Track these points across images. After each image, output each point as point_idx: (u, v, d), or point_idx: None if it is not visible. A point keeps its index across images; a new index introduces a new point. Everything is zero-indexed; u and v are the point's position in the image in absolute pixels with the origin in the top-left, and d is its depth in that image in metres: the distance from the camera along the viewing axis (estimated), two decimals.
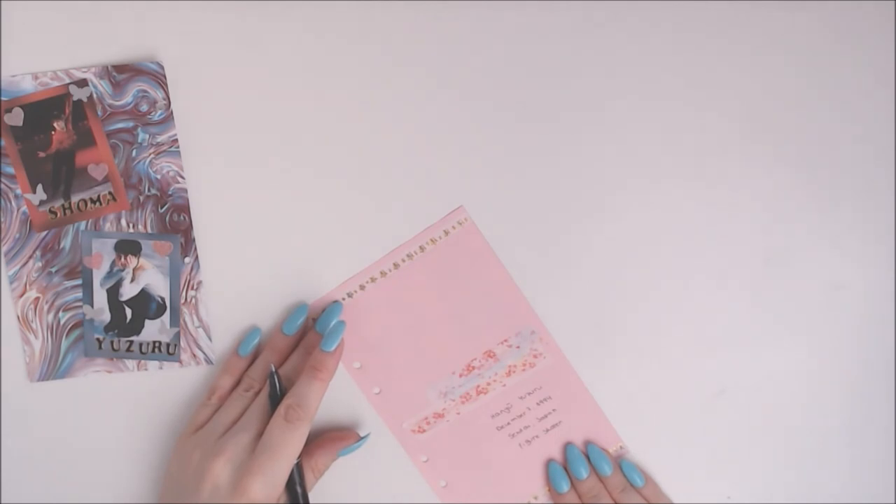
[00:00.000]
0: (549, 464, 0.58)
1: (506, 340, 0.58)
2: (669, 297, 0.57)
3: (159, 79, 0.56)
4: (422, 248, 0.57)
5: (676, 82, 0.56)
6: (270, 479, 0.50)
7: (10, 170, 0.56)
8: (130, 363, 0.57)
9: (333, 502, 0.58)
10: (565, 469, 0.58)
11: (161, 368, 0.57)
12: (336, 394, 0.57)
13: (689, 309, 0.57)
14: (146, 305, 0.57)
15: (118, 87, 0.55)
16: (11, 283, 0.56)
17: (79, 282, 0.56)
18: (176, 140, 0.56)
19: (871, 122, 0.56)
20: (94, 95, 0.55)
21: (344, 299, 0.57)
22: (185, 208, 0.56)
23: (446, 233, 0.57)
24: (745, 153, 0.56)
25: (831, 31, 0.55)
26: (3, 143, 0.55)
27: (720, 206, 0.57)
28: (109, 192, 0.56)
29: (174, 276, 0.57)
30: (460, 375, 0.58)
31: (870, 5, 0.55)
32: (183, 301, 0.57)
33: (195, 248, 0.57)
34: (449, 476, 0.58)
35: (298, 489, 0.52)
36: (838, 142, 0.56)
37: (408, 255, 0.57)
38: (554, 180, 0.57)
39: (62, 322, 0.56)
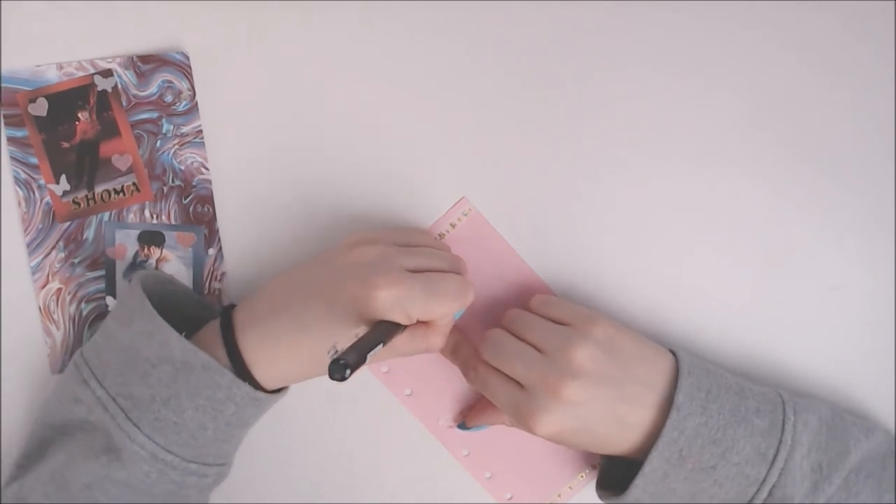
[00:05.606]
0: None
1: None
2: (669, 296, 0.57)
3: (184, 69, 0.55)
4: None
5: (676, 82, 0.56)
6: (396, 299, 0.47)
7: (33, 160, 0.55)
8: None
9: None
10: None
11: None
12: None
13: (688, 307, 0.57)
14: None
15: (143, 77, 0.55)
16: (34, 273, 0.55)
17: (101, 273, 0.56)
18: (200, 131, 0.56)
19: (872, 122, 0.56)
20: (119, 86, 0.55)
21: None
22: (208, 199, 0.56)
23: (453, 226, 0.58)
24: (745, 153, 0.56)
25: (833, 30, 0.56)
26: (27, 133, 0.55)
27: (720, 205, 0.57)
28: (133, 183, 0.56)
29: (198, 267, 0.57)
30: None
31: (874, 5, 0.55)
32: (206, 292, 0.57)
33: (219, 240, 0.57)
34: (493, 467, 0.58)
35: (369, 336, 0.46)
36: (839, 141, 0.56)
37: None
38: (554, 175, 0.57)
39: (84, 313, 0.56)
